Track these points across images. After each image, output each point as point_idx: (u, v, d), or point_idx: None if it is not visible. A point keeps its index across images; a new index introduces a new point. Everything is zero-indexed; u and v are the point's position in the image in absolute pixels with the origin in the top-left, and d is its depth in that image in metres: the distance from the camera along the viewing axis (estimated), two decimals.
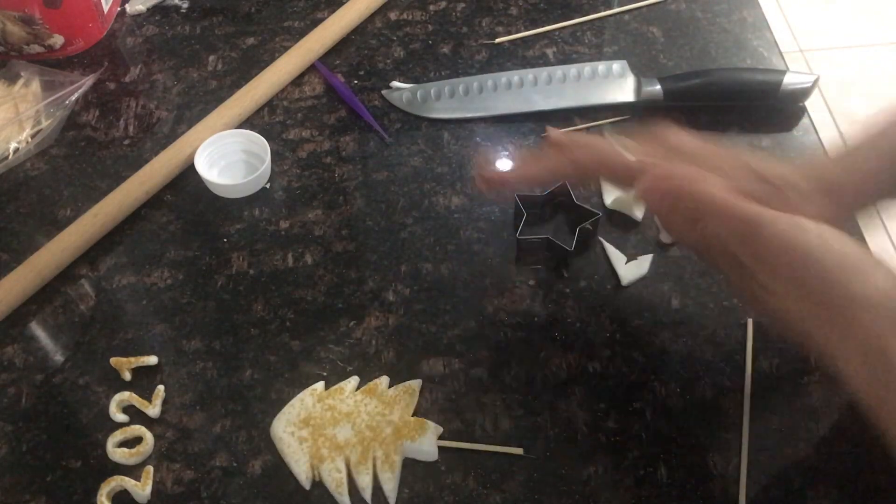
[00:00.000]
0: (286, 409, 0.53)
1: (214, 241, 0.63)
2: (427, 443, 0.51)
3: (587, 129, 0.70)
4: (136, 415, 0.54)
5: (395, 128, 0.71)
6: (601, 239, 0.62)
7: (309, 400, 0.54)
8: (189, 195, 0.67)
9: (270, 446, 0.52)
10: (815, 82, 0.69)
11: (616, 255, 0.61)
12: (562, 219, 0.64)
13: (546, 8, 0.80)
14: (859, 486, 0.50)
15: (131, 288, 0.61)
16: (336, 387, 0.54)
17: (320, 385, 0.55)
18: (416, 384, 0.54)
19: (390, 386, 0.55)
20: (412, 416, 0.53)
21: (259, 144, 0.67)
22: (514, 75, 0.73)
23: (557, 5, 0.80)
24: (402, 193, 0.66)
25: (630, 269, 0.60)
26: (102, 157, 0.69)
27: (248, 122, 0.71)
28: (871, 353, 0.38)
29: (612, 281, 0.60)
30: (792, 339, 0.46)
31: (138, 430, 0.53)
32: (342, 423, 0.52)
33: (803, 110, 0.71)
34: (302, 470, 0.51)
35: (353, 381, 0.55)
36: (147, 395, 0.55)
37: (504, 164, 0.67)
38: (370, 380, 0.55)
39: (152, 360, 0.56)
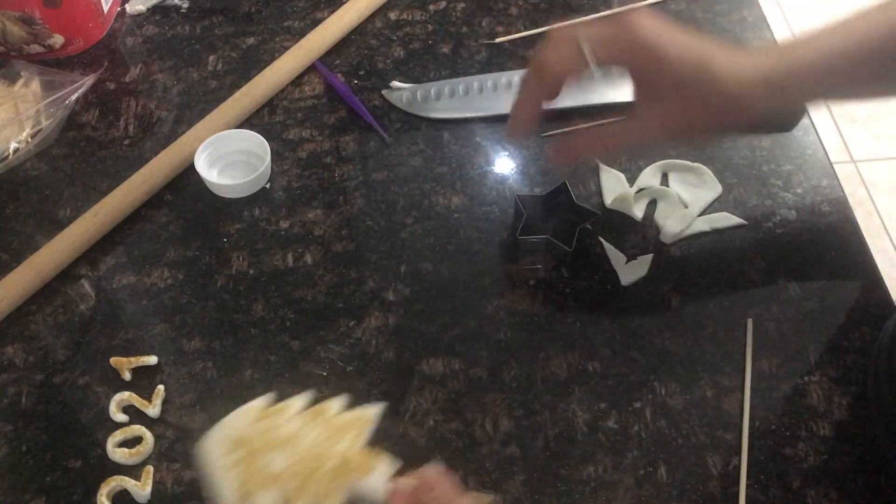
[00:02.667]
0: (215, 427, 0.45)
1: (214, 241, 0.63)
2: (374, 483, 0.43)
3: (587, 128, 0.69)
4: (136, 415, 0.54)
5: (395, 128, 0.71)
6: (601, 239, 0.62)
7: (245, 418, 0.45)
8: (189, 195, 0.67)
9: None
10: None
11: (616, 255, 0.61)
12: (562, 219, 0.64)
13: (546, 8, 0.80)
14: (859, 486, 0.50)
15: (131, 288, 0.61)
16: (279, 405, 0.46)
17: (264, 400, 0.46)
18: (372, 410, 0.46)
19: (353, 408, 0.46)
20: (366, 447, 0.44)
21: (259, 144, 0.67)
22: (514, 75, 0.72)
23: (557, 5, 0.80)
24: (402, 193, 0.66)
25: (630, 269, 0.60)
26: (102, 157, 0.69)
27: (248, 122, 0.71)
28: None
29: (612, 281, 0.60)
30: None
31: (138, 430, 0.53)
32: (280, 449, 0.43)
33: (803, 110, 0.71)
34: (227, 503, 0.43)
35: (302, 398, 0.47)
36: (147, 395, 0.55)
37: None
38: (355, 391, 0.49)
39: (152, 360, 0.56)
